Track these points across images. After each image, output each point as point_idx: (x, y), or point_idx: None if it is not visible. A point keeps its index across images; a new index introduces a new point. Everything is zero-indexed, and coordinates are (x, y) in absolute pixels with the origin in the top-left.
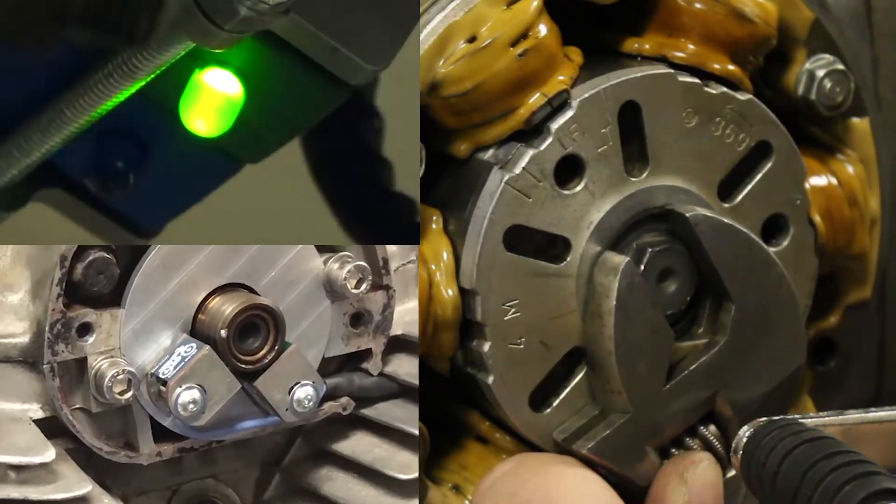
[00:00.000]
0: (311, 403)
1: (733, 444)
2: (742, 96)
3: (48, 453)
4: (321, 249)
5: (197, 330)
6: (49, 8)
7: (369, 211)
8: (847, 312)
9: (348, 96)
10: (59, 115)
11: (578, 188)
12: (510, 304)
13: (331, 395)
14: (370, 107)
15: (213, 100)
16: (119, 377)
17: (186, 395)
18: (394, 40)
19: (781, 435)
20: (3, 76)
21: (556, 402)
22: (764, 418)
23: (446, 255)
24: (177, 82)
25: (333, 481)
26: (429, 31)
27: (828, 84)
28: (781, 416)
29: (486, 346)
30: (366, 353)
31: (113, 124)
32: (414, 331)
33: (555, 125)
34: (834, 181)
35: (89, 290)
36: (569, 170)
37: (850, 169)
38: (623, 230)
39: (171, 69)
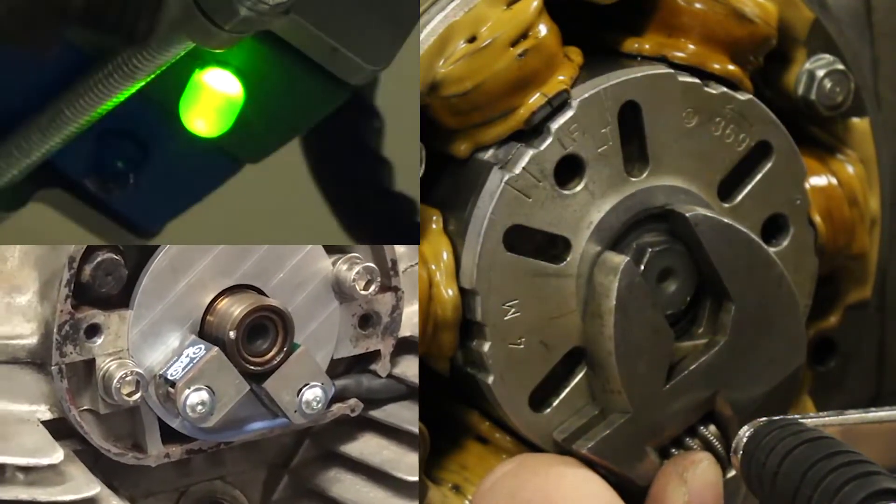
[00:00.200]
0: (319, 405)
1: (733, 444)
2: (742, 96)
3: (56, 455)
4: (330, 251)
5: (205, 331)
6: (49, 8)
7: (369, 211)
8: (847, 312)
9: (348, 96)
10: (59, 115)
11: (578, 188)
12: (510, 304)
13: (339, 397)
14: (370, 107)
15: (213, 100)
16: (127, 378)
17: (195, 397)
18: (394, 40)
19: (781, 435)
20: (3, 76)
21: (556, 402)
22: (764, 418)
23: (446, 255)
24: (177, 82)
25: (341, 483)
26: (429, 31)
27: (828, 84)
28: (781, 416)
29: (486, 346)
30: (374, 355)
31: (113, 124)
32: None
33: (555, 125)
34: (834, 181)
35: (97, 292)
36: (569, 170)
37: (850, 169)
38: (623, 230)
39: (171, 69)
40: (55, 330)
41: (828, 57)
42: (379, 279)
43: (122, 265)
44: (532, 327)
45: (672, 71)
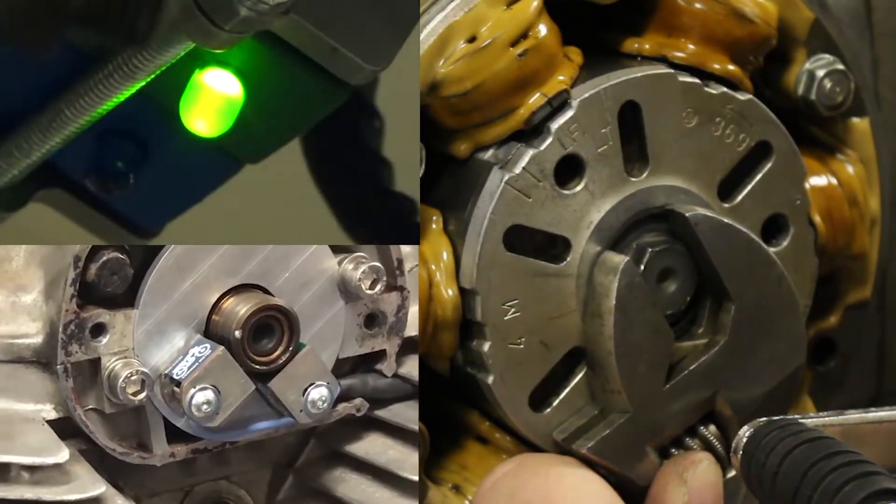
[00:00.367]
0: (325, 404)
1: (733, 444)
2: (742, 96)
3: (62, 454)
4: (335, 250)
5: (211, 330)
6: (49, 8)
7: (369, 211)
8: (847, 312)
9: (348, 96)
10: (59, 115)
11: (578, 188)
12: (510, 304)
13: (345, 397)
14: (370, 107)
15: (213, 100)
16: (133, 378)
17: (200, 396)
18: (394, 40)
19: (781, 435)
20: (3, 76)
21: (555, 402)
22: (764, 418)
23: (446, 255)
24: (177, 82)
25: (347, 483)
26: (429, 31)
27: (828, 84)
28: (781, 416)
29: (486, 346)
30: (380, 355)
31: (113, 124)
32: None
33: (555, 125)
34: (834, 181)
35: (103, 291)
36: (569, 170)
37: (850, 169)
38: (623, 230)
39: (171, 69)
40: (60, 329)
41: (828, 57)
42: (385, 279)
43: (127, 264)
44: (532, 327)
45: (672, 71)
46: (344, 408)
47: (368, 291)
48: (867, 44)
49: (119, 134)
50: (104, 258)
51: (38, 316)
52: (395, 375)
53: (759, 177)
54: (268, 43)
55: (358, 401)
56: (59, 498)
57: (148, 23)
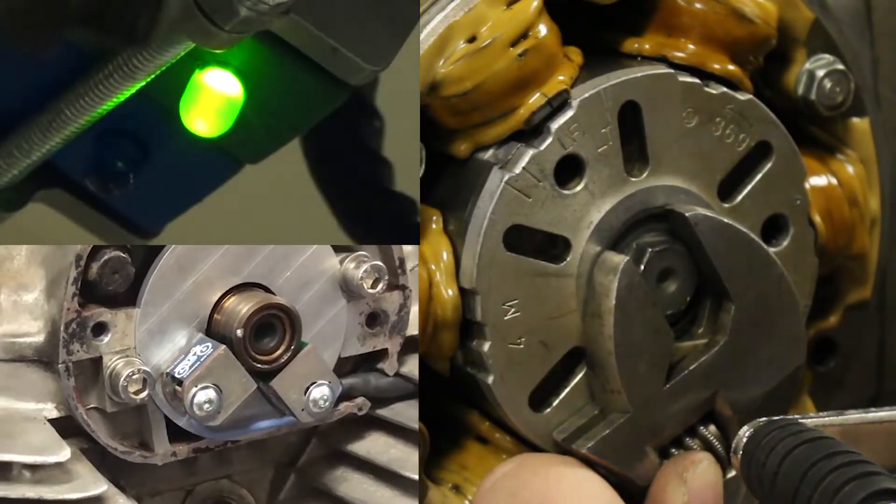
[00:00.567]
0: (326, 403)
1: (733, 444)
2: (742, 96)
3: (63, 453)
4: (337, 249)
5: (212, 329)
6: (49, 8)
7: (369, 211)
8: (847, 312)
9: (348, 96)
10: (59, 115)
11: (578, 188)
12: (510, 303)
13: (346, 396)
14: (370, 107)
15: (213, 100)
16: (134, 377)
17: (202, 395)
18: (394, 40)
19: (781, 435)
20: (3, 76)
21: (555, 402)
22: (764, 418)
23: (446, 255)
24: (177, 82)
25: (349, 482)
26: (429, 31)
27: (828, 84)
28: (781, 416)
29: (486, 346)
30: (382, 354)
31: (113, 124)
32: None
33: (555, 125)
34: (834, 181)
35: (104, 290)
36: (569, 170)
37: (850, 169)
38: (623, 230)
39: (171, 69)
40: (62, 328)
41: (828, 57)
42: (386, 277)
43: (129, 263)
44: (532, 327)
45: (672, 71)
46: (346, 407)
47: (370, 290)
48: (867, 44)
49: (119, 134)
50: (106, 257)
51: (40, 315)
52: (397, 374)
53: (759, 177)
54: (268, 43)
55: (360, 400)
56: (60, 497)
57: (148, 23)
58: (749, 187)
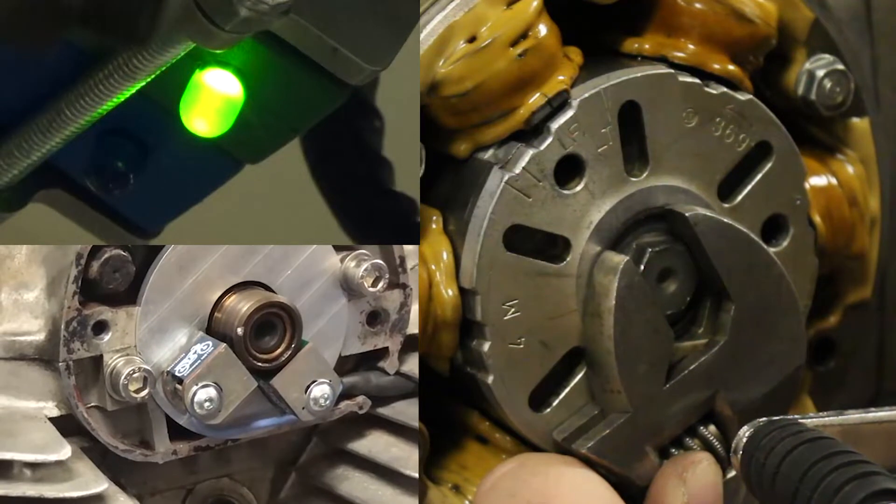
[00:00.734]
0: (327, 402)
1: (733, 445)
2: (742, 96)
3: (64, 451)
4: (338, 248)
5: (213, 328)
6: (49, 8)
7: (369, 211)
8: (847, 312)
9: (348, 96)
10: (59, 115)
11: (578, 188)
12: (510, 303)
13: (347, 394)
14: (370, 107)
15: (213, 100)
16: (135, 375)
17: (202, 394)
18: (394, 40)
19: (781, 435)
20: (3, 76)
21: (555, 402)
22: (764, 418)
23: (446, 255)
24: (177, 82)
25: (349, 481)
26: (429, 31)
27: (828, 84)
28: (781, 417)
29: (486, 346)
30: (382, 352)
31: (113, 124)
32: None
33: (555, 125)
34: (834, 181)
35: (105, 288)
36: (569, 170)
37: (850, 169)
38: (623, 230)
39: (171, 69)
40: (63, 326)
41: (828, 57)
42: (387, 276)
43: (129, 262)
44: (532, 327)
45: (672, 71)
46: (346, 405)
47: (371, 289)
48: (867, 44)
49: (119, 134)
50: (106, 255)
51: (41, 313)
52: (398, 373)
53: (759, 177)
54: (268, 43)
55: (360, 398)
56: (61, 495)
57: (148, 23)
58: (749, 187)
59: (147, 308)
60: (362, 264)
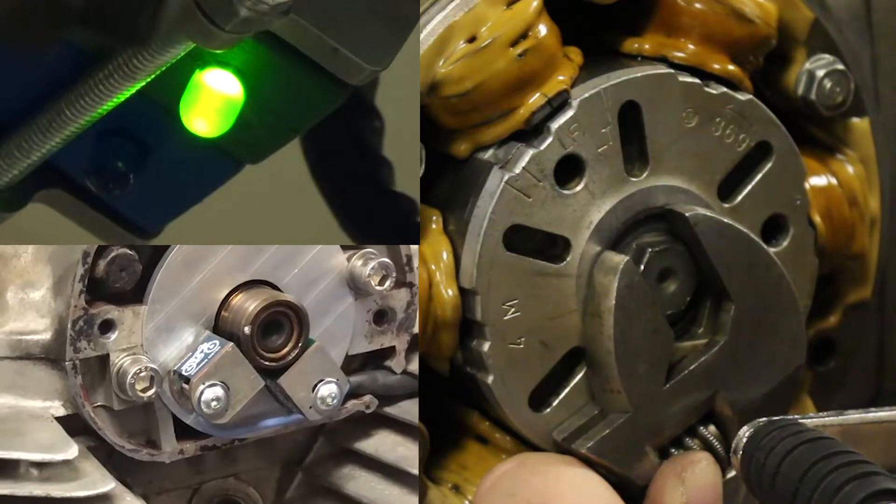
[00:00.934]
0: (334, 401)
1: (733, 445)
2: (742, 96)
3: (71, 450)
4: (344, 246)
5: (220, 327)
6: (49, 8)
7: (369, 211)
8: (847, 312)
9: (348, 96)
10: (59, 115)
11: (578, 188)
12: (510, 303)
13: (354, 393)
14: (370, 107)
15: (213, 100)
16: (141, 374)
17: (209, 393)
18: (394, 40)
19: (781, 435)
20: (3, 76)
21: (555, 402)
22: (764, 418)
23: (446, 255)
24: (177, 82)
25: (356, 480)
26: (429, 31)
27: (828, 84)
28: (781, 417)
29: (486, 346)
30: (389, 351)
31: (113, 124)
32: None
33: (555, 125)
34: (834, 181)
35: (111, 287)
36: (569, 170)
37: (850, 169)
38: (623, 230)
39: (171, 69)
40: (69, 325)
41: (828, 57)
42: (394, 275)
43: (136, 261)
44: (532, 327)
45: (672, 71)
46: (353, 405)
47: (378, 288)
48: (867, 44)
49: (119, 134)
50: (113, 254)
51: (47, 312)
52: (405, 372)
53: (759, 177)
54: (268, 43)
55: (367, 398)
56: (67, 494)
57: (148, 23)
58: (749, 187)
59: (154, 307)
60: (369, 263)
